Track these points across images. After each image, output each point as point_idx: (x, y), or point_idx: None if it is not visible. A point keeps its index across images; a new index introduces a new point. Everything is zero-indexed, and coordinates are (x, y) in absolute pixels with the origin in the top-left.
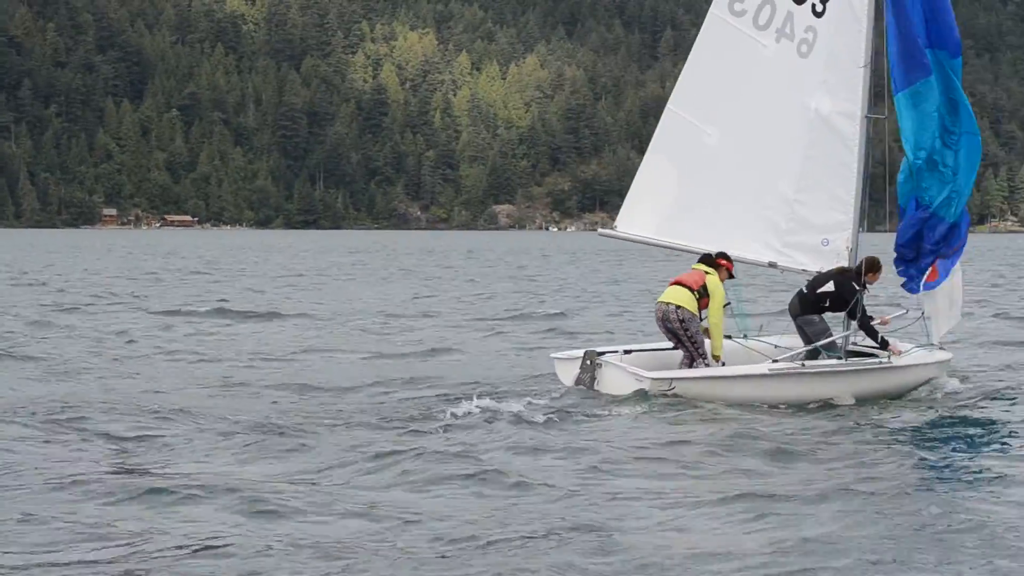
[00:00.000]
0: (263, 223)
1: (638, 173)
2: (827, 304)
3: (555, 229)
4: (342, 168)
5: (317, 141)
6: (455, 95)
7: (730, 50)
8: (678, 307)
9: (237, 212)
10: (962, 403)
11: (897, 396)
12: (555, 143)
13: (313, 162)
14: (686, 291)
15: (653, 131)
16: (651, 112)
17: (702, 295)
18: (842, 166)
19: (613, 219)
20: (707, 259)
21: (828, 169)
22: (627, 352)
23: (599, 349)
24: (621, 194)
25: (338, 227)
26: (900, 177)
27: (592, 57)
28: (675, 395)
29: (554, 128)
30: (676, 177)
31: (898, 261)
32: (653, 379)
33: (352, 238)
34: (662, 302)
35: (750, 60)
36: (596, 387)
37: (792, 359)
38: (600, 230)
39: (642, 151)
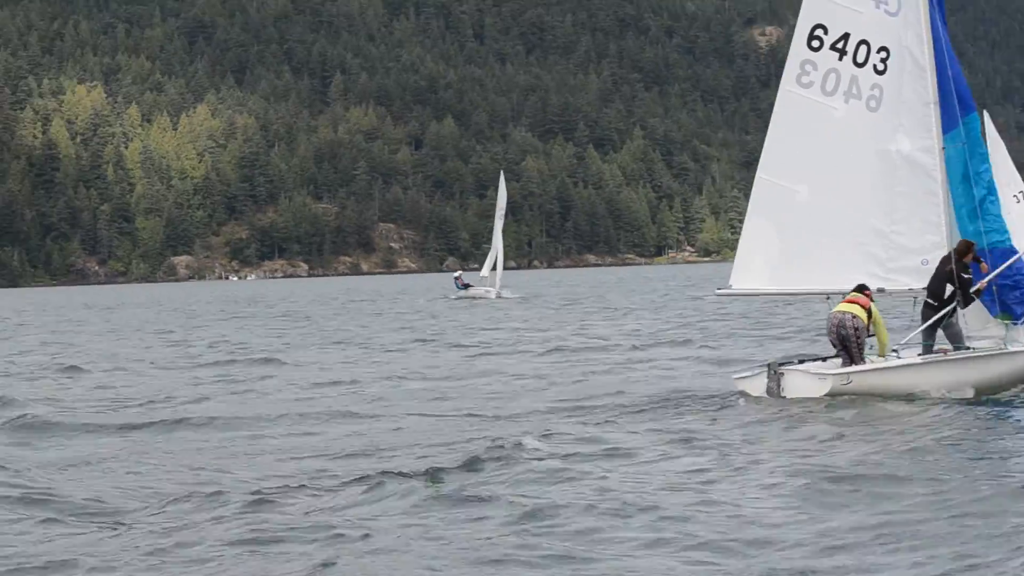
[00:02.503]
0: None
1: (742, 237)
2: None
3: (235, 278)
4: (16, 226)
5: None
6: (127, 147)
7: (804, 117)
8: (854, 316)
9: None
10: None
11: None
12: (231, 192)
13: None
14: (859, 307)
15: (328, 175)
16: (324, 156)
17: (868, 315)
18: (929, 194)
19: (293, 266)
20: (860, 288)
21: (917, 200)
22: (801, 361)
23: (779, 360)
24: (300, 240)
25: (15, 285)
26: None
27: (263, 104)
28: (852, 388)
29: (229, 177)
30: (776, 233)
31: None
32: (835, 375)
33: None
34: (839, 311)
35: (824, 122)
36: (783, 393)
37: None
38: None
39: (318, 196)
